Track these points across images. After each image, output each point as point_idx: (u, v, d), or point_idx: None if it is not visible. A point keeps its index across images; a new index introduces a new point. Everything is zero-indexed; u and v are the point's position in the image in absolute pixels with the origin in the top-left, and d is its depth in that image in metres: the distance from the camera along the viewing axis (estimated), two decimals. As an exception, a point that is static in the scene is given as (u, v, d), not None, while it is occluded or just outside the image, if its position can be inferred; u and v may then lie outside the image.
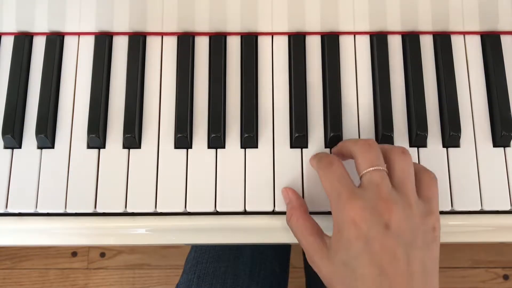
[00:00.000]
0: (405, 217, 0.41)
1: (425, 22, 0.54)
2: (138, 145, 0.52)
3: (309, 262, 0.45)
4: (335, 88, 0.53)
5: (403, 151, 0.44)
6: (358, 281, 0.40)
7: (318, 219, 0.50)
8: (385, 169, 0.43)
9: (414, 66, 0.53)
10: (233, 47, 0.55)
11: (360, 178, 0.43)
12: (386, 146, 0.46)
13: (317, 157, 0.48)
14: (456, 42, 0.55)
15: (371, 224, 0.40)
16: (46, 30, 0.55)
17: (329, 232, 0.46)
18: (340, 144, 0.49)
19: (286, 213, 0.48)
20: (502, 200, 0.51)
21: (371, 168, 0.42)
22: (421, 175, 0.45)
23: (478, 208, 0.51)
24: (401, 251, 0.40)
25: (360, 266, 0.40)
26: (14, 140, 0.51)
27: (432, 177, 0.45)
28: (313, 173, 0.51)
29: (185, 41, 0.54)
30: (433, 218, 0.43)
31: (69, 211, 0.50)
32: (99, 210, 0.50)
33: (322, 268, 0.43)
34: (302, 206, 0.48)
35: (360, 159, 0.43)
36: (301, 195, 0.50)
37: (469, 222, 0.51)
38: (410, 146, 0.52)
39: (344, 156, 0.48)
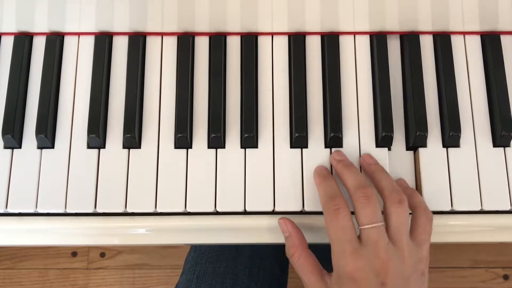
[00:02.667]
0: (400, 272, 0.44)
1: (425, 22, 0.54)
2: (138, 145, 0.52)
3: None
4: (335, 88, 0.53)
5: (400, 200, 0.46)
6: None
7: (317, 219, 0.50)
8: (382, 222, 0.45)
9: (414, 66, 0.53)
10: (233, 47, 0.55)
11: (359, 230, 0.46)
12: (384, 186, 0.47)
13: (322, 186, 0.49)
14: (456, 42, 0.55)
15: (369, 283, 0.44)
16: (46, 30, 0.55)
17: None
18: (339, 170, 0.49)
19: (287, 249, 0.49)
20: (502, 200, 0.51)
21: (369, 226, 0.45)
22: (419, 216, 0.48)
23: (478, 208, 0.50)
24: None
25: None
26: (14, 140, 0.51)
27: (429, 219, 0.48)
28: (313, 174, 0.51)
29: (185, 41, 0.54)
30: (423, 264, 0.46)
31: (69, 211, 0.50)
32: (99, 210, 0.50)
33: None
34: (302, 243, 0.49)
35: (359, 212, 0.46)
36: (301, 195, 0.50)
37: (469, 222, 0.51)
38: (410, 146, 0.52)
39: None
